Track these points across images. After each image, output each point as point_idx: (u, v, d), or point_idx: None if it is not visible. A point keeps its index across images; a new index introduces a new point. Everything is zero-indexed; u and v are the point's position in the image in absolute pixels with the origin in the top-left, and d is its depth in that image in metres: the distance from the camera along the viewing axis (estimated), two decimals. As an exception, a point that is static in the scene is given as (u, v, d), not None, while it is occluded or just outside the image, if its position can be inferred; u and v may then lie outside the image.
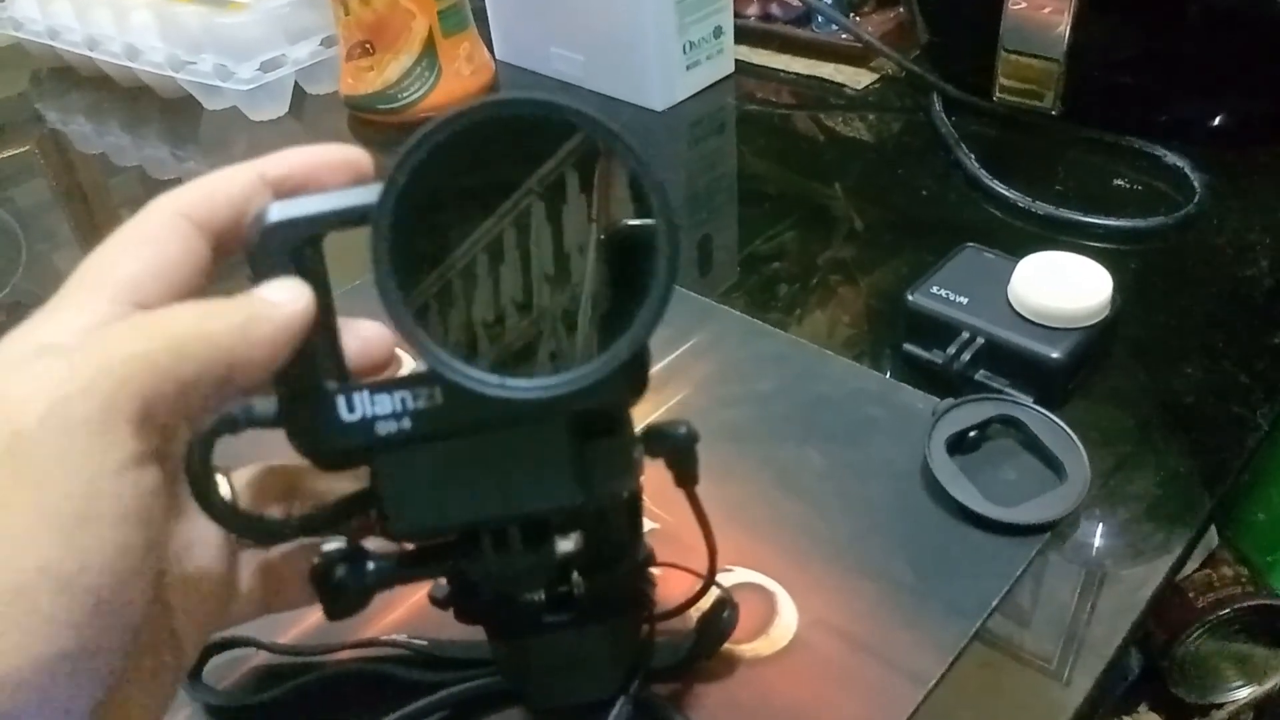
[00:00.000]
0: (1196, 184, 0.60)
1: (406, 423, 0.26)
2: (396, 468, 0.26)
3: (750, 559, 0.40)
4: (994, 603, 0.37)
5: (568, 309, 0.25)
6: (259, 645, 0.37)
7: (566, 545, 0.29)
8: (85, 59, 0.87)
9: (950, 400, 0.44)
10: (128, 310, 0.24)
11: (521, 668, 0.33)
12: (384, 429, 0.26)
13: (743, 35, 0.80)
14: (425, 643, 0.36)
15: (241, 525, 0.26)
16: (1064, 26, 0.62)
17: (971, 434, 0.43)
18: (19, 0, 0.89)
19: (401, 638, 0.36)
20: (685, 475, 0.31)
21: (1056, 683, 0.36)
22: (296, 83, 0.81)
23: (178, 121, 0.82)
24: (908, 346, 0.49)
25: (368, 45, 0.73)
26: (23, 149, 0.82)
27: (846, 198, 0.65)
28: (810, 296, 0.56)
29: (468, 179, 0.23)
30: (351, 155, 0.27)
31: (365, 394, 0.25)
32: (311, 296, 0.25)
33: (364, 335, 0.28)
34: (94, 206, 0.77)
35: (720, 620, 0.36)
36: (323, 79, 0.82)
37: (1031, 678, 0.36)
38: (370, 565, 0.29)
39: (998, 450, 0.44)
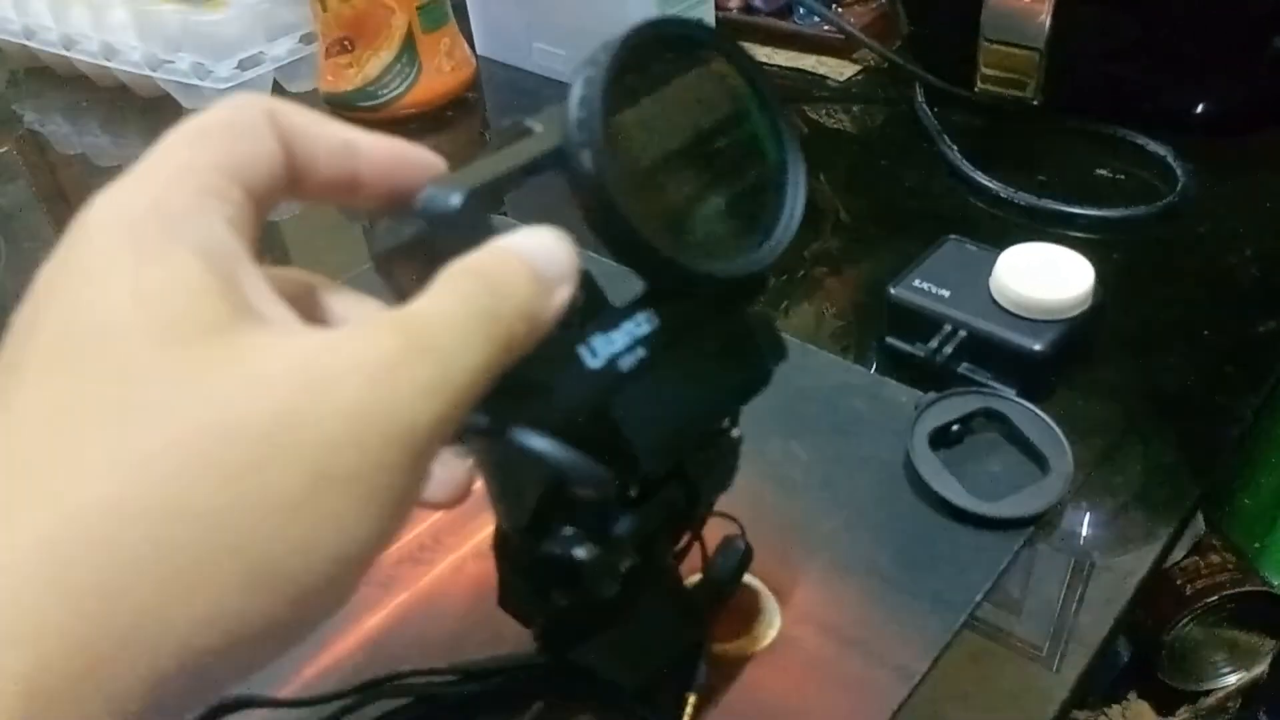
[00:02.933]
0: (1179, 173, 0.60)
1: (641, 351, 0.25)
2: (635, 401, 0.26)
3: (735, 556, 0.39)
4: (979, 597, 0.37)
5: (742, 195, 0.27)
6: (268, 703, 0.34)
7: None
8: (62, 59, 0.86)
9: (933, 394, 0.44)
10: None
11: (607, 649, 0.33)
12: (626, 363, 0.25)
13: (725, 28, 0.80)
14: (445, 665, 0.35)
15: None
16: (1045, 15, 0.61)
17: (955, 428, 0.43)
18: (-6, 1, 0.88)
19: (423, 666, 0.35)
20: None
21: (1046, 671, 0.36)
22: (275, 80, 0.81)
23: (157, 121, 0.81)
24: (890, 340, 0.48)
25: (347, 42, 0.73)
26: (1, 150, 0.82)
27: (830, 190, 0.65)
28: (794, 290, 0.56)
29: (642, 92, 0.25)
30: (432, 159, 0.25)
31: (600, 335, 0.25)
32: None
33: None
34: (75, 207, 0.74)
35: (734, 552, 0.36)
36: (302, 76, 0.81)
37: (1021, 667, 0.36)
38: (617, 525, 0.28)
39: (981, 444, 0.44)
